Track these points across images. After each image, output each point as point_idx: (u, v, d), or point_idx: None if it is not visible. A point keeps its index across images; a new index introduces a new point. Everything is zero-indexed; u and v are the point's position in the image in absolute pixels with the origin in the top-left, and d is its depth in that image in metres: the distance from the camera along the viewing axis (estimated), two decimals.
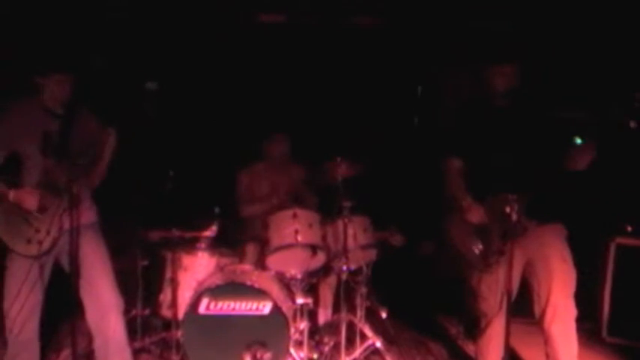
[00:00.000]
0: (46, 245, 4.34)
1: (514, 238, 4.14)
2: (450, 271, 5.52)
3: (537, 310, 4.49)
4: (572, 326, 4.43)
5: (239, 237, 6.07)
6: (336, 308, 5.89)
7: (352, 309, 5.61)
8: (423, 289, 7.15)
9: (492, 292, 4.48)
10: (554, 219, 4.48)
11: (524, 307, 4.58)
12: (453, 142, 4.75)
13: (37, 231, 4.33)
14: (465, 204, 4.52)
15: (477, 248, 4.47)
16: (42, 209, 4.33)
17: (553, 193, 4.23)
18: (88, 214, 4.52)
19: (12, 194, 4.32)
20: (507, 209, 4.16)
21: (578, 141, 4.02)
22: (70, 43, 5.04)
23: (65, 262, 4.49)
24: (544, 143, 4.27)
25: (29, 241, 4.33)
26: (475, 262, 4.50)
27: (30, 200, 4.31)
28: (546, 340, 4.48)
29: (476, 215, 4.46)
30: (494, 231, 4.35)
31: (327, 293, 6.03)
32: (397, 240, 6.15)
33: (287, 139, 6.43)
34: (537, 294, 4.48)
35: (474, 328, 4.85)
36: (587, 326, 5.77)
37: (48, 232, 4.33)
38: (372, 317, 5.77)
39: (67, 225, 4.23)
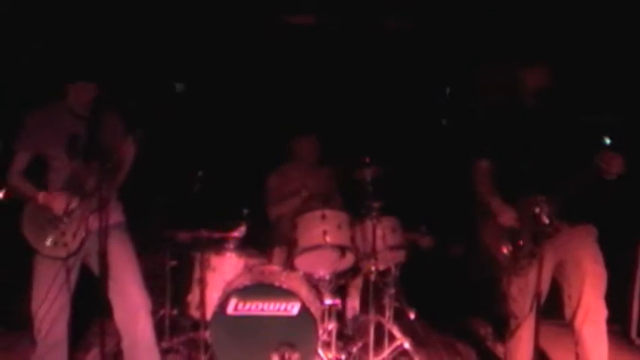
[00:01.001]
0: (72, 248, 4.36)
1: (546, 240, 4.13)
2: (479, 273, 5.49)
3: (568, 312, 4.45)
4: (603, 327, 4.39)
5: (267, 238, 6.06)
6: (364, 309, 5.88)
7: (381, 310, 5.61)
8: (452, 291, 7.11)
9: (523, 295, 4.45)
10: (585, 220, 4.44)
11: (553, 309, 4.55)
12: (483, 143, 4.72)
13: (64, 234, 4.35)
14: (495, 206, 4.50)
15: (508, 250, 4.44)
16: (69, 212, 4.36)
17: (584, 194, 4.17)
18: (115, 215, 4.53)
19: (41, 197, 4.36)
20: (537, 210, 4.16)
21: (607, 141, 3.97)
22: (97, 47, 5.05)
23: (93, 264, 4.51)
24: (575, 145, 4.23)
25: (55, 244, 4.35)
26: (506, 264, 4.48)
27: (58, 203, 4.34)
28: (577, 342, 4.44)
29: (506, 218, 4.43)
30: (525, 233, 4.33)
31: (355, 294, 6.02)
32: (427, 241, 6.14)
33: (316, 141, 6.41)
34: (568, 295, 4.44)
35: (504, 329, 4.82)
36: (616, 328, 5.73)
37: (74, 235, 4.35)
38: (400, 318, 5.76)
39: (93, 226, 4.26)
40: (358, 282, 5.99)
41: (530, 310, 4.29)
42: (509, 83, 4.68)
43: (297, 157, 6.46)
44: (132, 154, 4.53)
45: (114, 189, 4.63)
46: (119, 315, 4.59)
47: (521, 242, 4.36)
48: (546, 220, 4.13)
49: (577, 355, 4.47)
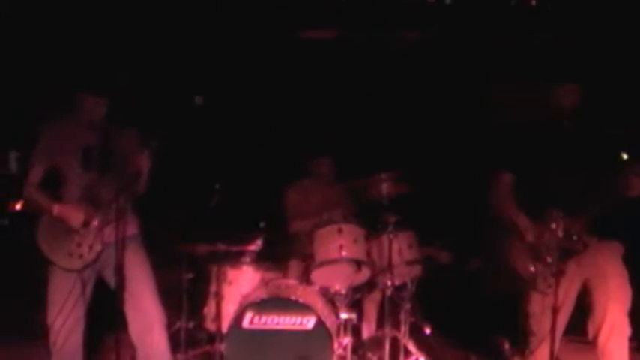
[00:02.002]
0: (88, 259, 4.37)
1: (574, 256, 4.14)
2: (497, 287, 5.46)
3: (592, 328, 4.43)
4: (626, 344, 4.39)
5: (284, 251, 6.06)
6: (380, 323, 5.86)
7: (396, 324, 5.59)
8: (469, 306, 7.08)
9: (545, 312, 4.42)
10: (612, 236, 4.43)
11: (574, 325, 4.52)
12: (508, 158, 4.70)
13: (79, 245, 4.37)
14: (522, 225, 4.48)
15: (536, 268, 4.42)
16: (85, 224, 4.38)
17: (611, 210, 4.16)
18: (130, 227, 4.50)
19: (56, 209, 4.37)
20: (553, 226, 4.14)
21: (625, 157, 3.97)
22: (114, 58, 5.08)
23: (108, 276, 4.51)
24: (601, 161, 4.23)
25: (71, 255, 4.36)
26: (533, 282, 4.45)
27: (75, 216, 4.36)
28: (600, 357, 4.41)
29: (535, 236, 4.43)
30: (552, 250, 4.30)
31: (371, 308, 6.01)
32: (443, 256, 6.13)
33: (332, 162, 6.42)
34: (593, 311, 4.42)
35: (521, 345, 4.78)
36: (633, 344, 5.70)
37: (90, 246, 4.36)
38: (416, 333, 5.73)
39: (109, 238, 4.28)
40: (376, 296, 5.98)
41: (552, 327, 4.26)
42: (534, 100, 4.67)
43: (315, 176, 6.47)
44: (148, 167, 4.53)
45: (130, 201, 4.64)
46: (134, 327, 4.59)
47: (548, 259, 4.35)
48: (561, 235, 4.12)
49: None
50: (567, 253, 4.15)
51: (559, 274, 4.16)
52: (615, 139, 4.27)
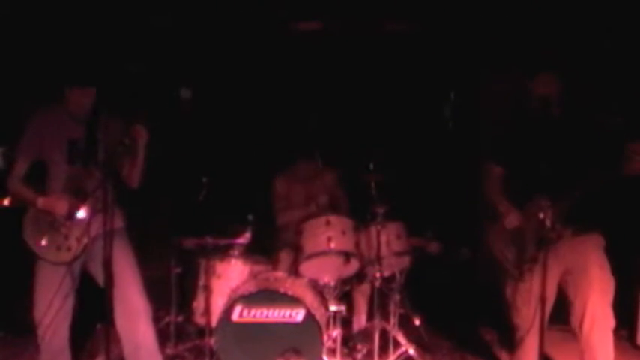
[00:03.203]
0: (76, 251, 4.37)
1: (549, 246, 4.12)
2: (486, 278, 5.48)
3: (574, 320, 4.42)
4: (610, 335, 4.37)
5: (273, 244, 6.05)
6: (369, 315, 5.87)
7: (386, 316, 5.59)
8: (458, 296, 7.09)
9: (526, 304, 4.44)
10: (592, 229, 4.43)
11: (559, 314, 4.54)
12: (498, 150, 4.71)
13: (67, 237, 4.37)
14: (502, 209, 4.50)
15: (512, 254, 4.45)
16: (69, 216, 4.37)
17: (592, 201, 4.17)
18: (116, 220, 4.44)
19: (41, 201, 4.38)
20: (541, 215, 4.14)
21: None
22: (102, 51, 5.06)
23: (94, 269, 4.51)
24: (590, 150, 4.23)
25: (59, 248, 4.37)
26: (509, 269, 4.48)
27: (59, 207, 4.35)
28: (584, 349, 4.40)
29: (512, 219, 4.45)
30: (529, 238, 4.33)
31: (360, 300, 6.00)
32: (433, 247, 6.12)
33: (314, 163, 6.32)
34: (574, 303, 4.42)
35: (509, 335, 4.80)
36: (622, 333, 5.74)
37: (78, 239, 4.36)
38: (405, 324, 5.75)
39: (95, 231, 4.27)
40: (365, 288, 5.96)
41: (535, 319, 4.27)
42: (516, 90, 4.68)
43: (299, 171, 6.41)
44: (145, 140, 4.50)
45: (131, 187, 4.63)
46: (120, 321, 4.58)
47: (526, 247, 4.37)
48: (549, 225, 4.13)
49: None
50: (542, 242, 4.15)
51: (536, 262, 4.18)
52: (604, 125, 4.28)
